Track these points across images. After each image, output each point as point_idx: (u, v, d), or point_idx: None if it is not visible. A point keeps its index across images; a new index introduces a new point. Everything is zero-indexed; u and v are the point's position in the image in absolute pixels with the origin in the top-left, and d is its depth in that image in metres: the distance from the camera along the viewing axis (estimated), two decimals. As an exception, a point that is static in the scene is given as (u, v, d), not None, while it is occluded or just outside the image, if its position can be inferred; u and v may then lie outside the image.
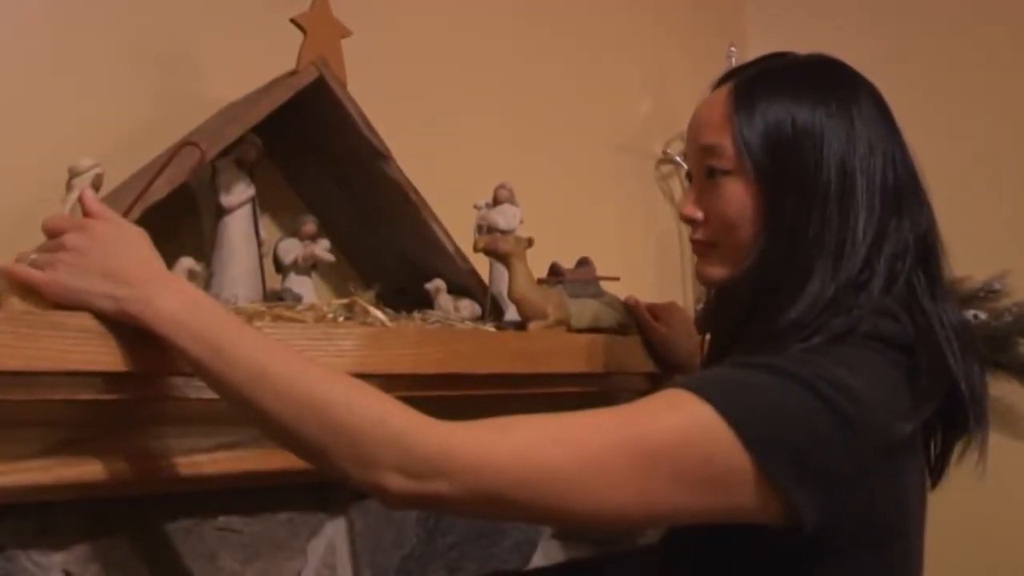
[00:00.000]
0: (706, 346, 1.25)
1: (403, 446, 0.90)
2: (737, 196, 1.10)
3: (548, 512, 0.95)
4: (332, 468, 0.93)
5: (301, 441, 0.92)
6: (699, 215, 1.15)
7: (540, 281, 1.48)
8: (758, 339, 1.05)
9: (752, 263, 1.09)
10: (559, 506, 0.93)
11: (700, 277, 1.18)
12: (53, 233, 0.97)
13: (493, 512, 1.01)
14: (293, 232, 1.46)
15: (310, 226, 1.46)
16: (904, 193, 1.10)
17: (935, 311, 1.07)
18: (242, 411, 0.95)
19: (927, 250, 1.10)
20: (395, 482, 0.90)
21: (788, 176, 1.07)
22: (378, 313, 1.29)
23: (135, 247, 0.96)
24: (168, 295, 0.93)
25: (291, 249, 1.44)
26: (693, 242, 1.18)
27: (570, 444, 0.93)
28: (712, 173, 1.12)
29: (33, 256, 0.96)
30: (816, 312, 1.03)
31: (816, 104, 1.08)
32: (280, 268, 1.45)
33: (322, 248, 1.44)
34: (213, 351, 0.91)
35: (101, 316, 0.94)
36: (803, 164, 1.07)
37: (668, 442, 0.94)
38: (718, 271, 1.15)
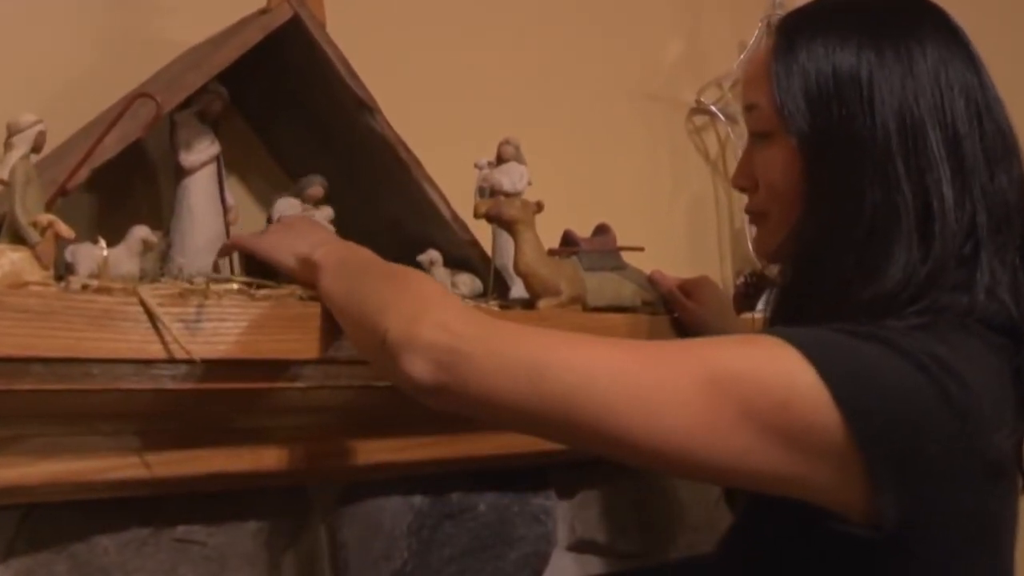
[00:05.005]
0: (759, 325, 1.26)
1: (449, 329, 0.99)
2: (779, 161, 1.12)
3: (602, 426, 0.95)
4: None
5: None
6: (745, 183, 1.19)
7: (551, 252, 1.49)
8: (835, 316, 1.03)
9: (789, 235, 1.10)
10: (615, 419, 0.94)
11: (753, 250, 1.21)
12: None
13: (548, 422, 0.99)
14: (297, 192, 1.46)
15: (318, 189, 1.45)
16: (994, 145, 1.09)
17: None
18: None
19: None
20: (422, 368, 0.98)
21: (832, 135, 1.08)
22: (363, 290, 1.29)
23: (318, 226, 1.28)
24: (329, 248, 1.16)
25: (290, 212, 1.42)
26: (746, 212, 1.22)
27: (633, 350, 0.98)
28: (756, 136, 1.15)
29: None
30: (914, 289, 1.02)
31: (863, 47, 1.08)
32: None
33: (323, 217, 1.44)
34: (349, 283, 1.11)
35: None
36: (850, 120, 1.07)
37: (740, 371, 0.95)
38: (767, 244, 1.18)
